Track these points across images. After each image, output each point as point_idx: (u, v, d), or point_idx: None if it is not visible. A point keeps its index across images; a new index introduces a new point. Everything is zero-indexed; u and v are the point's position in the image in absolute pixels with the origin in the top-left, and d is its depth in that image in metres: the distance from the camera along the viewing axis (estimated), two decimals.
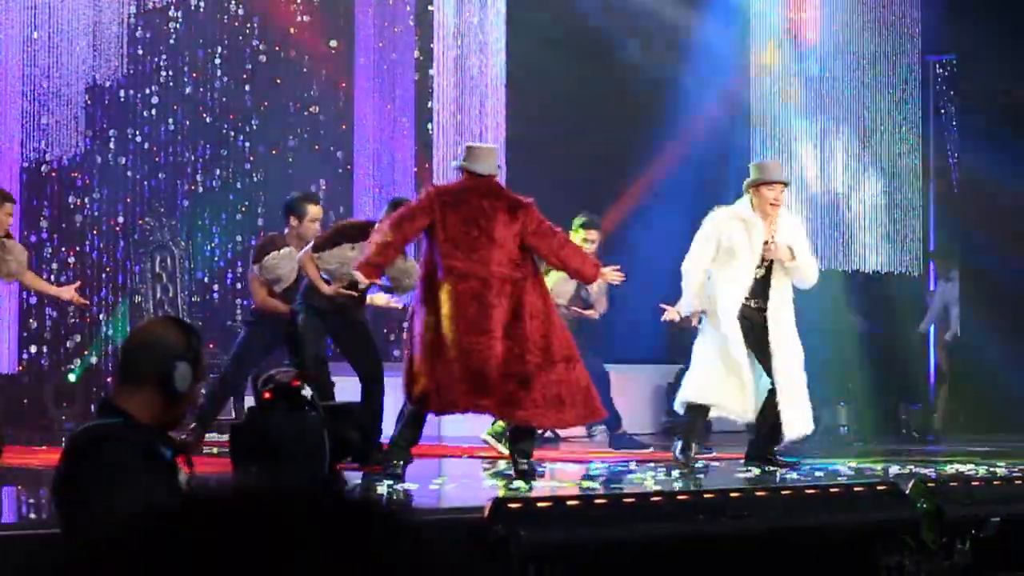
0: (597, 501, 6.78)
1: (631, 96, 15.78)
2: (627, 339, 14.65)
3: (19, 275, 10.63)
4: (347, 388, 9.79)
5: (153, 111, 14.61)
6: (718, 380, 9.96)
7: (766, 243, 9.98)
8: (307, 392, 4.23)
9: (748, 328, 9.98)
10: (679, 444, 9.99)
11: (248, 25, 15.11)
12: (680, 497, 7.07)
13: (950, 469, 9.68)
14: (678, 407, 10.26)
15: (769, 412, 9.88)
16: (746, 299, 9.99)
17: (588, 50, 15.68)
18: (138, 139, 14.48)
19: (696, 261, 10.08)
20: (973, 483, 8.28)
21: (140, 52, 14.32)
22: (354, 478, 8.41)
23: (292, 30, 15.43)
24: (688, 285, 10.09)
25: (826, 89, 14.60)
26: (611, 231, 15.14)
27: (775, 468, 9.71)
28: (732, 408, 10.03)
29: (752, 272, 9.99)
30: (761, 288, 10.02)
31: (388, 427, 9.22)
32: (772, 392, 9.88)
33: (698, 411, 10.07)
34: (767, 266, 10.02)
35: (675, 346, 13.53)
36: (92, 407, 11.56)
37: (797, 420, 9.92)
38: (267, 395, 4.16)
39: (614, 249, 14.95)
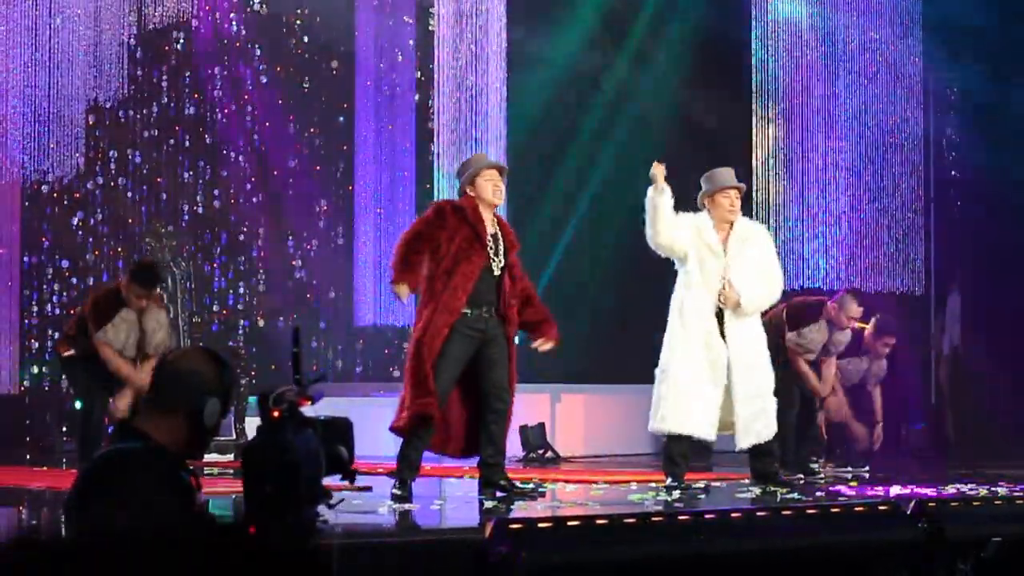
0: (598, 521, 6.76)
1: (631, 112, 15.80)
2: (629, 359, 14.65)
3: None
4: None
5: (154, 131, 14.62)
6: (684, 404, 9.77)
7: (721, 289, 9.78)
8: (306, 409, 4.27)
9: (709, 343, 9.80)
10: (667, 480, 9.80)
11: (249, 46, 15.13)
12: (681, 517, 7.05)
13: (951, 489, 9.66)
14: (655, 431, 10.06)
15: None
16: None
17: (587, 69, 15.70)
18: (138, 160, 14.49)
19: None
20: (974, 503, 8.26)
21: (141, 73, 14.34)
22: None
23: (293, 51, 15.45)
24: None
25: (828, 109, 14.62)
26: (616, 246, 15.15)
27: (776, 488, 9.68)
28: (699, 432, 9.84)
29: (717, 282, 9.77)
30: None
31: None
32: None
33: (672, 439, 9.89)
34: (724, 280, 9.82)
35: None
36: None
37: (746, 432, 9.80)
38: (276, 413, 4.18)
39: (615, 264, 15.00)
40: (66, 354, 10.86)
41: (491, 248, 9.10)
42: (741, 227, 9.95)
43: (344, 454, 4.24)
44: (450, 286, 8.94)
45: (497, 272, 9.10)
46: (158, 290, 11.11)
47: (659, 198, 9.59)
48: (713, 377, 9.71)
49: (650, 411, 9.94)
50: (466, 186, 9.19)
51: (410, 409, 8.92)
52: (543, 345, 9.34)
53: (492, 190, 9.16)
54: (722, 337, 9.75)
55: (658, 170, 9.60)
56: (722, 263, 9.75)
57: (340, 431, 4.25)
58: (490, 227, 9.15)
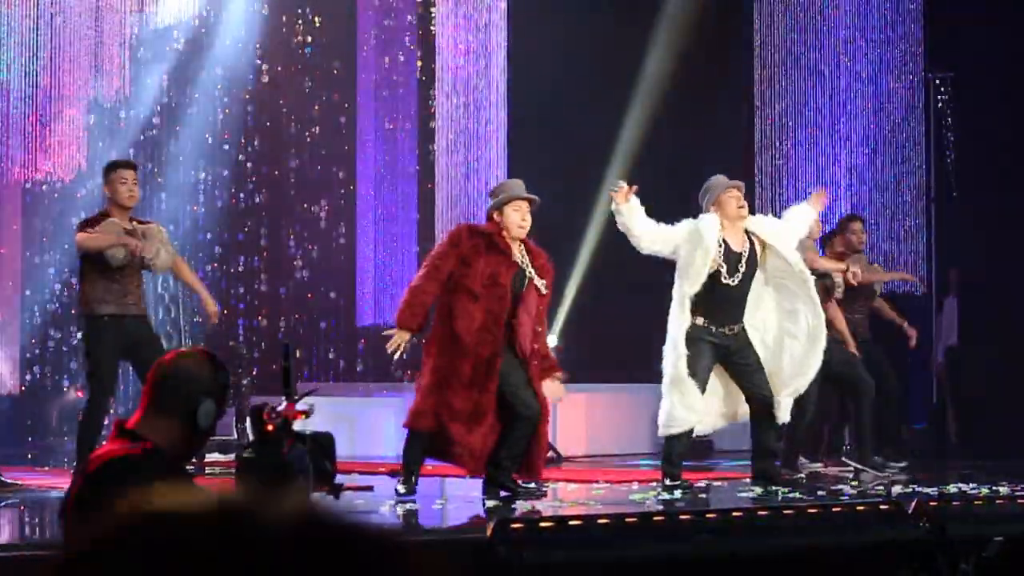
0: (600, 521, 6.77)
1: (637, 105, 15.79)
2: (632, 359, 14.65)
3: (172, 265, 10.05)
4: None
5: (155, 132, 14.62)
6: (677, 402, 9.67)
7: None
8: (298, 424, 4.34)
9: (727, 345, 9.73)
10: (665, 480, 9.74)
11: (250, 46, 15.13)
12: (682, 517, 7.06)
13: (953, 488, 9.67)
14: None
15: (757, 430, 9.77)
16: (722, 321, 9.77)
17: (592, 61, 15.69)
18: (140, 160, 14.49)
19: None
20: (976, 502, 8.27)
21: (142, 73, 14.33)
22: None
23: (294, 51, 15.45)
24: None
25: (829, 108, 14.62)
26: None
27: (778, 487, 9.67)
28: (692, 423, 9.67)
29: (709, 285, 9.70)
30: (738, 306, 9.79)
31: None
32: (757, 410, 9.71)
33: (669, 438, 9.82)
34: (743, 278, 9.72)
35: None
36: None
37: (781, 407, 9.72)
38: (270, 428, 4.23)
39: (613, 266, 14.98)
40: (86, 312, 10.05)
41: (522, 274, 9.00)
42: (756, 223, 9.89)
43: (330, 468, 4.31)
44: (476, 306, 8.83)
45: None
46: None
47: (623, 217, 9.54)
48: (708, 367, 9.65)
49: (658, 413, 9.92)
50: (493, 211, 9.09)
51: (413, 421, 8.92)
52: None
53: (519, 222, 9.04)
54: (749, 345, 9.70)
55: (617, 196, 9.54)
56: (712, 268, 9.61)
57: (325, 446, 4.32)
58: (516, 255, 9.02)
